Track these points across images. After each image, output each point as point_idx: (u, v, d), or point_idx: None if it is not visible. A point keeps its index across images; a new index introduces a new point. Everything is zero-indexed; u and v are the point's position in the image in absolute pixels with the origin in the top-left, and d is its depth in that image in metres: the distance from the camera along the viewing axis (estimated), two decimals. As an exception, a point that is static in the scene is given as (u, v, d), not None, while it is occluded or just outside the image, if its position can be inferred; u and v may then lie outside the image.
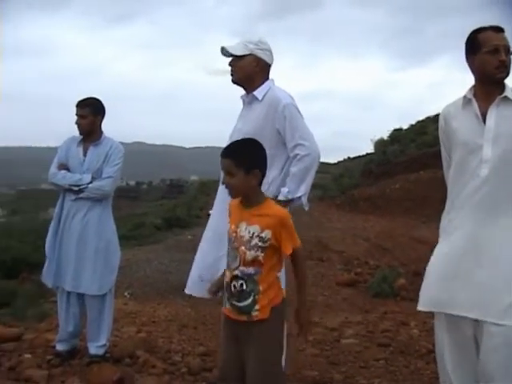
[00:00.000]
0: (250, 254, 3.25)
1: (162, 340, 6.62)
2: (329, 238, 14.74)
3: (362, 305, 9.27)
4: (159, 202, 60.63)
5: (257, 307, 3.26)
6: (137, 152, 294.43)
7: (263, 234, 3.24)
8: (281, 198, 4.33)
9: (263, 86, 4.50)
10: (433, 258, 3.56)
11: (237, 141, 3.50)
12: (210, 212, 4.96)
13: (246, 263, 3.26)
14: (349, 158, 38.33)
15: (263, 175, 3.35)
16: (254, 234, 3.26)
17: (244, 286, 3.27)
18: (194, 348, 6.33)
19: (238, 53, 4.47)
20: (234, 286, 3.31)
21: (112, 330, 5.77)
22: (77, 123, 5.41)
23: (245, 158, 3.30)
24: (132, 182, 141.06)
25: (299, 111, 4.42)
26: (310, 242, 14.13)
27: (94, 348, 5.42)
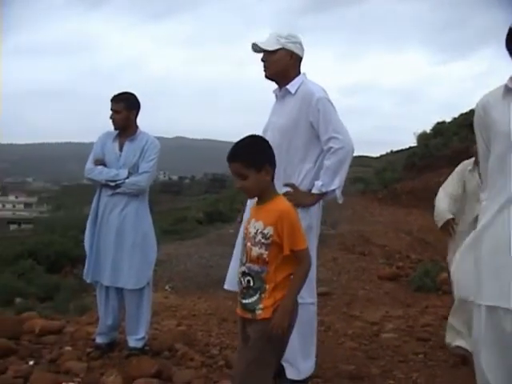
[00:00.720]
0: (254, 251, 3.20)
1: (201, 333, 6.64)
2: (371, 232, 14.61)
3: (404, 299, 9.19)
4: (202, 196, 60.89)
5: (261, 306, 3.20)
6: (179, 147, 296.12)
7: (266, 231, 3.18)
8: (315, 191, 4.36)
9: (296, 79, 4.49)
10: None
11: (238, 142, 3.34)
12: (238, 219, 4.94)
13: (252, 260, 3.21)
14: (391, 151, 37.89)
15: (274, 168, 3.29)
16: (258, 230, 3.21)
17: (251, 283, 3.22)
18: (233, 341, 6.32)
19: (270, 48, 4.45)
20: (242, 282, 3.29)
21: (151, 323, 5.80)
22: (111, 118, 5.43)
23: (252, 156, 3.23)
24: (175, 177, 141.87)
25: (332, 105, 4.41)
26: (352, 235, 14.07)
27: (133, 341, 5.46)
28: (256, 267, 3.19)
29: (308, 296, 4.50)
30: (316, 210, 4.59)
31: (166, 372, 4.97)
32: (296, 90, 4.44)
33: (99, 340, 5.56)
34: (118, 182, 5.32)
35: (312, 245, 4.42)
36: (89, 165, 5.49)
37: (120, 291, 5.45)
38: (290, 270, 3.21)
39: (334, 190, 4.38)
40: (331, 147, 4.33)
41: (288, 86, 4.48)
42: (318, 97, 4.35)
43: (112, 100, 5.42)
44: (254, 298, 3.21)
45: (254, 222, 3.26)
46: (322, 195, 4.39)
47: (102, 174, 5.39)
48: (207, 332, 6.75)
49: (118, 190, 5.33)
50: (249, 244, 3.24)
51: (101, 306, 5.55)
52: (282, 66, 4.48)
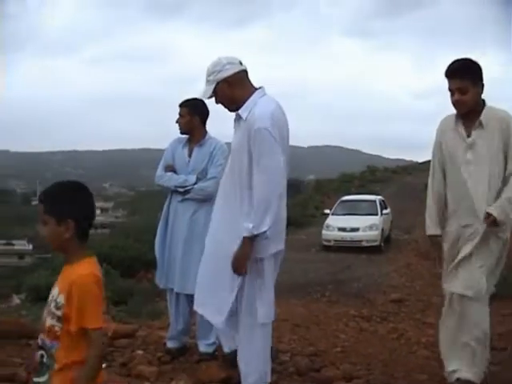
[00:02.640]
0: (48, 321, 2.73)
1: (272, 339, 6.60)
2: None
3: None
4: (276, 201, 60.88)
5: None
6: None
7: (58, 299, 2.70)
8: (245, 234, 4.15)
9: (248, 102, 4.32)
10: None
11: (57, 183, 2.91)
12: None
13: (44, 331, 2.74)
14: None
15: (83, 228, 2.81)
16: (53, 296, 2.76)
17: (44, 358, 2.74)
18: (304, 348, 6.29)
19: (208, 95, 4.40)
20: (36, 356, 2.80)
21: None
22: (176, 122, 5.53)
23: (57, 204, 2.75)
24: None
25: (272, 135, 4.15)
26: (427, 241, 13.82)
27: (204, 346, 5.47)
28: (47, 341, 2.73)
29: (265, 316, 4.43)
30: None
31: (235, 377, 4.95)
32: (246, 116, 4.28)
33: (170, 345, 5.60)
34: (186, 188, 5.36)
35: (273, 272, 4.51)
36: (159, 171, 5.57)
37: (191, 296, 5.44)
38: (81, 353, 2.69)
39: (265, 232, 4.15)
40: (256, 184, 4.16)
41: (240, 111, 4.33)
42: (257, 127, 4.14)
43: (179, 105, 5.51)
44: (44, 379, 2.74)
45: (55, 286, 2.80)
46: (254, 238, 4.16)
47: (171, 180, 5.45)
48: (278, 338, 6.71)
49: (187, 196, 5.37)
50: (45, 312, 2.78)
51: (172, 310, 5.59)
52: (227, 97, 4.37)
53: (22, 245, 79.17)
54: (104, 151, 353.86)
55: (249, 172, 4.22)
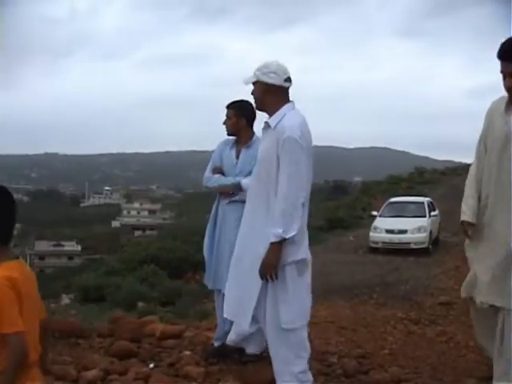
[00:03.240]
0: None
1: (320, 341, 6.58)
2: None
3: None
4: (322, 203, 60.75)
5: None
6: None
7: None
8: (274, 240, 4.23)
9: (279, 112, 4.44)
10: None
11: None
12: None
13: None
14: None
15: (3, 233, 2.88)
16: None
17: None
18: (351, 350, 6.25)
19: (246, 82, 4.54)
20: None
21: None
22: (223, 123, 5.55)
23: None
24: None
25: (299, 144, 4.29)
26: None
27: (251, 347, 5.47)
28: None
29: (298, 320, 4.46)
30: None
31: (281, 379, 4.96)
32: (275, 125, 4.40)
33: (217, 345, 5.61)
34: (234, 190, 5.37)
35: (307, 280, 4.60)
36: (207, 173, 5.59)
37: (238, 297, 5.47)
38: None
39: (293, 237, 4.26)
40: (282, 190, 4.26)
41: (269, 120, 4.47)
42: (286, 135, 4.27)
43: (226, 106, 5.54)
44: None
45: None
46: (281, 244, 4.25)
47: (218, 182, 5.47)
48: (325, 340, 6.69)
49: (235, 198, 5.37)
50: None
51: (219, 311, 5.59)
52: (258, 97, 4.54)
53: (71, 246, 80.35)
54: (151, 153, 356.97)
55: (276, 179, 4.31)
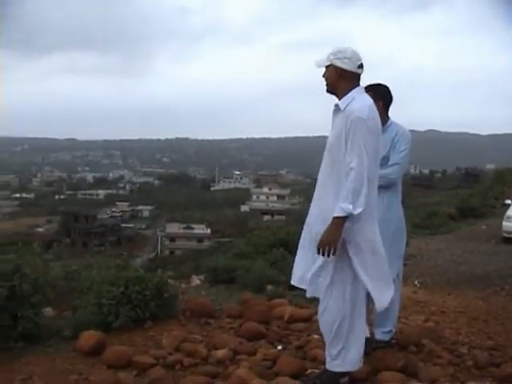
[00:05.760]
0: None
1: (450, 331, 6.47)
2: None
3: None
4: (454, 190, 59.37)
5: None
6: (431, 140, 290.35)
7: None
8: (341, 214, 4.30)
9: (348, 95, 4.56)
10: None
11: None
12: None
13: None
14: None
15: None
16: None
17: None
18: (483, 341, 6.10)
19: (319, 65, 4.67)
20: None
21: (398, 317, 5.75)
22: None
23: None
24: (426, 171, 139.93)
25: (368, 126, 4.41)
26: None
27: (380, 333, 5.45)
28: None
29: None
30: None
31: (411, 367, 4.92)
32: (345, 107, 4.51)
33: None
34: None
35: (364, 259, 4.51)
36: None
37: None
38: None
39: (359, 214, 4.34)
40: (351, 168, 4.35)
41: (339, 102, 4.58)
42: (354, 116, 4.40)
43: None
44: None
45: None
46: (344, 219, 4.33)
47: None
48: (456, 330, 6.57)
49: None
50: None
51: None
52: (330, 81, 4.64)
53: (201, 229, 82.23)
54: (280, 138, 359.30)
55: (345, 160, 4.42)
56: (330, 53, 4.60)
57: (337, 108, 4.61)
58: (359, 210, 4.30)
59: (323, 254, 4.37)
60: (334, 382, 4.57)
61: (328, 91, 4.72)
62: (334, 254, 4.35)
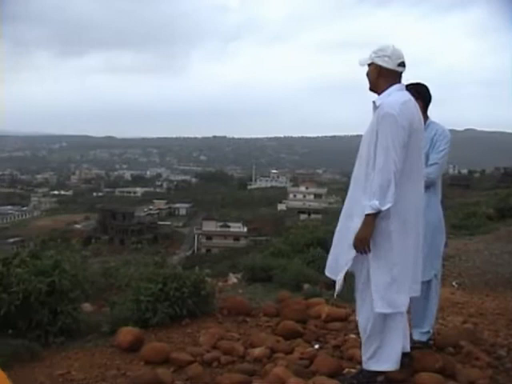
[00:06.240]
0: None
1: (488, 333, 6.41)
2: None
3: None
4: (492, 190, 58.64)
5: None
6: (469, 139, 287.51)
7: None
8: (369, 211, 4.34)
9: (385, 92, 4.62)
10: None
11: None
12: None
13: None
14: None
15: None
16: None
17: None
18: (524, 344, 6.02)
19: (361, 64, 4.73)
20: None
21: (436, 317, 5.71)
22: None
23: None
24: (464, 170, 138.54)
25: (396, 122, 4.41)
26: None
27: (418, 334, 5.42)
28: None
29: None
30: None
31: (449, 368, 4.88)
32: (380, 104, 4.55)
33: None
34: None
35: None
36: None
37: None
38: None
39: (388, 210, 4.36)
40: (378, 164, 4.40)
41: (375, 99, 4.65)
42: (384, 111, 4.44)
43: None
44: None
45: None
46: (375, 216, 4.36)
47: None
48: (495, 332, 6.49)
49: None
50: None
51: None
52: (371, 79, 4.71)
53: (237, 227, 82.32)
54: (318, 137, 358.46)
55: (374, 154, 4.46)
56: (372, 51, 4.65)
57: (374, 105, 4.65)
58: (388, 206, 4.32)
59: (360, 252, 4.40)
60: (370, 381, 4.56)
61: (370, 89, 4.76)
62: (368, 250, 4.38)
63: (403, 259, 4.51)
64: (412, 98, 4.66)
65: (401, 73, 4.66)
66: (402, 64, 4.63)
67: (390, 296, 4.47)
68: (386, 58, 4.58)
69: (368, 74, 4.71)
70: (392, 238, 4.46)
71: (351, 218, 4.56)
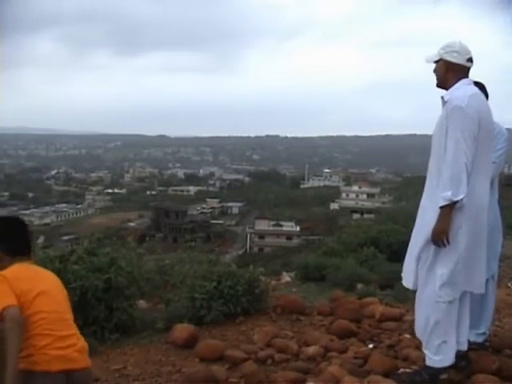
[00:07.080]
0: None
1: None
2: None
3: None
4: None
5: None
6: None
7: None
8: (443, 203, 4.35)
9: (454, 87, 4.64)
10: None
11: None
12: None
13: None
14: None
15: (11, 251, 3.52)
16: None
17: None
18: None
19: (429, 60, 4.76)
20: None
21: (493, 319, 5.63)
22: None
23: None
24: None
25: (466, 114, 4.41)
26: None
27: (473, 335, 5.34)
28: None
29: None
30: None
31: (506, 370, 4.81)
32: (448, 99, 4.57)
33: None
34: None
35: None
36: None
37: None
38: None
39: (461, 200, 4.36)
40: (448, 156, 4.43)
41: (444, 94, 4.67)
42: (453, 105, 4.47)
43: None
44: None
45: None
46: (450, 208, 4.37)
47: None
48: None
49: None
50: None
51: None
52: (440, 75, 4.73)
53: (290, 226, 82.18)
54: (371, 137, 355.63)
55: (445, 148, 4.47)
56: (440, 48, 4.67)
57: (442, 100, 4.66)
58: (461, 196, 4.32)
59: (438, 246, 4.42)
60: (434, 378, 4.53)
61: (438, 85, 4.77)
62: (447, 243, 4.39)
63: (470, 253, 4.51)
64: (480, 92, 4.66)
65: (469, 68, 4.67)
66: (470, 59, 4.65)
67: (454, 285, 4.50)
68: (455, 54, 4.60)
69: (435, 71, 4.73)
70: (460, 231, 4.44)
71: (425, 212, 4.59)
